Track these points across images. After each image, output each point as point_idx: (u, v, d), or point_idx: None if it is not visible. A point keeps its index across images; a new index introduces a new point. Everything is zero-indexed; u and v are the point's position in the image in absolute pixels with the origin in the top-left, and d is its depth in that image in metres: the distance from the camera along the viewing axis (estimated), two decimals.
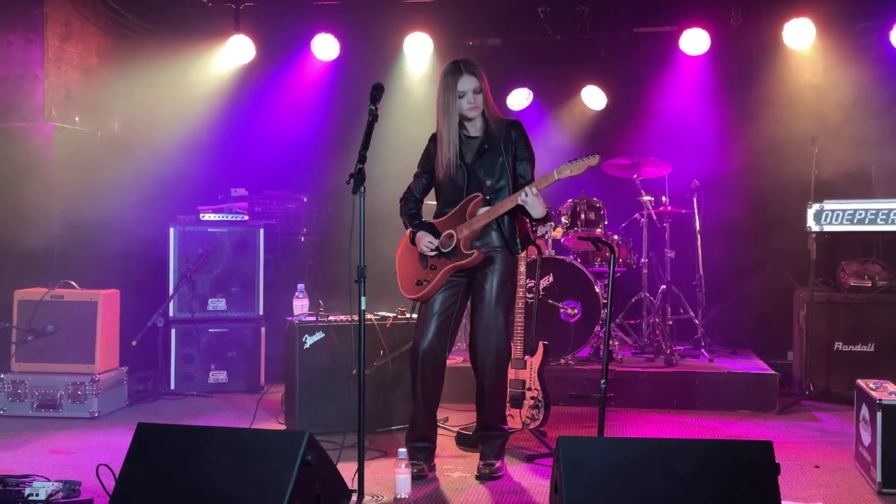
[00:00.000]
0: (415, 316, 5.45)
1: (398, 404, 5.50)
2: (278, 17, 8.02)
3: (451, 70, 4.49)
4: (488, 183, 4.48)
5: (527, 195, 4.33)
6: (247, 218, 7.11)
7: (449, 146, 4.51)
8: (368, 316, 5.27)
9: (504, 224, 4.53)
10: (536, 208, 4.38)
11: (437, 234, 4.56)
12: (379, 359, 5.50)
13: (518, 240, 4.56)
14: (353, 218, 3.98)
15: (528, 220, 4.60)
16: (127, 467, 3.56)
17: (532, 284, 6.05)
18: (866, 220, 5.96)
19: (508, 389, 5.26)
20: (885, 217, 5.93)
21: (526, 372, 5.30)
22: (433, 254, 4.54)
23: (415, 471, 4.43)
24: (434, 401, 4.67)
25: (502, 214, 4.48)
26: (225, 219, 6.99)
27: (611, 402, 5.41)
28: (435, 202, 4.74)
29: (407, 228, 4.69)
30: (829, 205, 6.07)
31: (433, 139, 4.67)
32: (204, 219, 6.96)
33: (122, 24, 7.73)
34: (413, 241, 4.61)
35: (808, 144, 6.64)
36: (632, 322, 7.37)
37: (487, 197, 4.48)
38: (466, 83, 4.45)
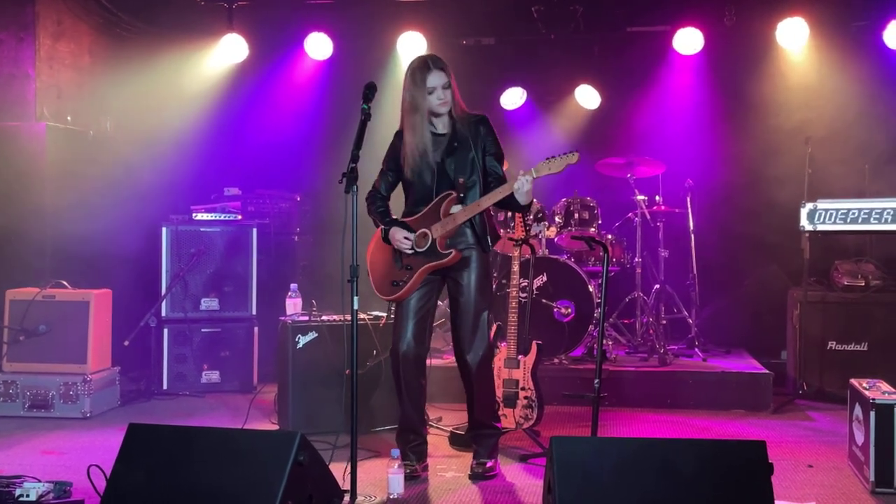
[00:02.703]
0: None
1: (391, 404, 5.45)
2: (271, 16, 8.00)
3: (419, 66, 4.44)
4: (461, 180, 4.45)
5: (523, 184, 4.27)
6: (240, 217, 7.09)
7: (418, 144, 4.46)
8: (361, 315, 5.26)
9: (476, 221, 4.50)
10: (526, 196, 4.32)
11: (411, 233, 4.53)
12: (372, 358, 5.49)
13: (489, 237, 4.54)
14: (346, 217, 3.97)
15: (495, 215, 4.58)
16: (118, 468, 3.55)
17: (526, 284, 6.05)
18: (860, 220, 5.95)
19: (502, 389, 5.26)
20: (878, 216, 5.92)
21: (519, 371, 5.29)
22: (409, 251, 4.50)
23: (408, 471, 4.42)
24: (420, 397, 4.65)
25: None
26: (218, 218, 6.97)
27: (604, 402, 5.41)
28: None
29: (377, 227, 4.63)
30: (822, 204, 6.06)
31: (399, 135, 4.60)
32: (197, 218, 6.94)
33: (114, 23, 7.71)
34: (385, 239, 4.56)
35: (802, 143, 6.64)
36: (625, 321, 7.37)
37: (461, 195, 4.46)
38: (435, 79, 4.41)
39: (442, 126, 4.55)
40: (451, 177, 4.47)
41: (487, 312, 4.55)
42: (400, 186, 4.69)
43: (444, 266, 4.49)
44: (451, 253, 4.46)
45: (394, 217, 4.62)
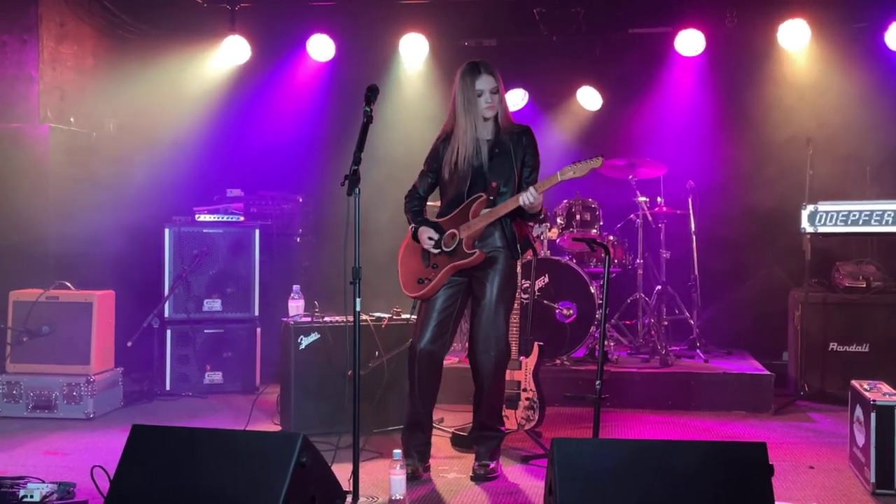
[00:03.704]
0: (409, 317, 5.47)
1: (393, 405, 5.49)
2: (274, 18, 8.02)
3: (470, 70, 4.51)
4: (494, 184, 4.50)
5: (528, 198, 4.35)
6: (242, 219, 7.10)
7: (468, 144, 4.51)
8: (363, 317, 5.27)
9: (507, 226, 4.56)
10: (534, 208, 4.41)
11: (440, 233, 4.58)
12: (374, 360, 5.49)
13: (518, 243, 4.59)
14: (349, 219, 3.98)
15: (524, 222, 4.64)
16: (122, 469, 3.56)
17: (527, 285, 6.06)
18: (860, 222, 5.96)
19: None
20: (879, 218, 5.93)
21: (521, 373, 5.30)
22: (435, 250, 4.56)
23: (409, 471, 4.43)
24: (430, 399, 4.68)
25: (505, 216, 4.50)
26: (220, 219, 6.99)
27: (606, 403, 5.43)
28: (439, 203, 4.76)
29: (410, 225, 4.70)
30: (823, 206, 6.07)
31: (442, 138, 4.66)
32: (199, 219, 6.95)
33: (117, 25, 7.73)
34: (416, 238, 4.62)
35: (803, 145, 6.65)
36: (627, 323, 7.38)
37: (492, 198, 4.49)
38: (484, 82, 4.48)
39: (486, 132, 4.59)
40: (486, 180, 4.52)
41: (507, 316, 4.58)
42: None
43: (469, 266, 4.53)
44: (475, 253, 4.51)
45: (427, 217, 4.67)
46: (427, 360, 4.56)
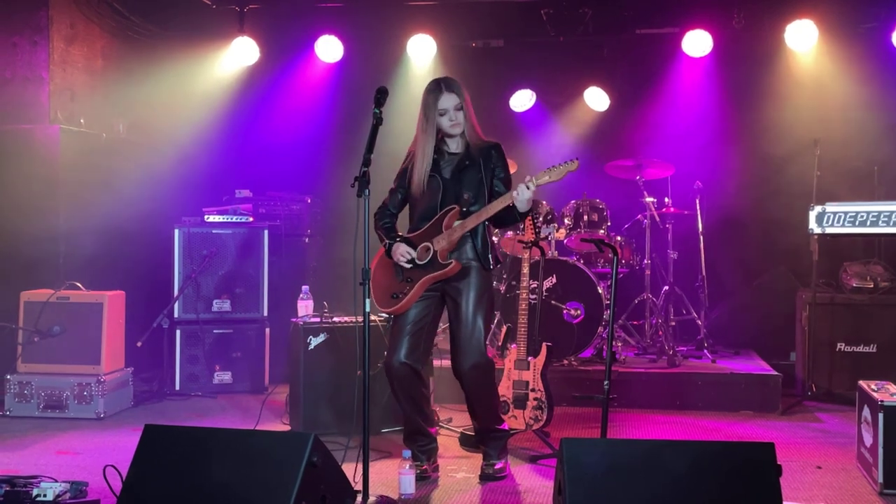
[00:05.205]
0: None
1: None
2: (282, 19, 8.05)
3: (433, 89, 4.53)
4: (466, 196, 4.51)
5: (522, 192, 4.31)
6: (251, 219, 7.13)
7: (423, 162, 4.52)
8: (372, 317, 5.30)
9: (478, 238, 4.55)
10: (526, 204, 4.39)
11: (413, 248, 4.56)
12: (383, 360, 5.51)
13: (490, 255, 4.57)
14: (358, 220, 4.00)
15: (511, 224, 4.61)
16: (134, 468, 3.59)
17: (535, 286, 6.08)
18: (868, 223, 5.96)
19: (512, 390, 5.30)
20: (887, 219, 5.93)
21: (529, 373, 5.32)
22: (409, 266, 4.53)
23: (418, 471, 4.46)
24: (421, 406, 4.67)
25: (476, 228, 4.49)
26: (229, 220, 7.02)
27: (614, 403, 5.45)
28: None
29: (382, 242, 4.67)
30: (831, 207, 6.06)
31: (409, 155, 4.67)
32: (208, 220, 6.99)
33: (126, 27, 7.77)
34: (389, 255, 4.61)
35: (810, 146, 6.66)
36: (635, 323, 7.39)
37: (464, 209, 4.50)
38: (447, 101, 4.49)
39: (455, 146, 4.61)
40: (457, 193, 4.53)
41: (486, 327, 4.55)
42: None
43: (444, 277, 4.51)
44: (450, 263, 4.49)
45: (399, 233, 4.67)
46: (404, 376, 4.52)
